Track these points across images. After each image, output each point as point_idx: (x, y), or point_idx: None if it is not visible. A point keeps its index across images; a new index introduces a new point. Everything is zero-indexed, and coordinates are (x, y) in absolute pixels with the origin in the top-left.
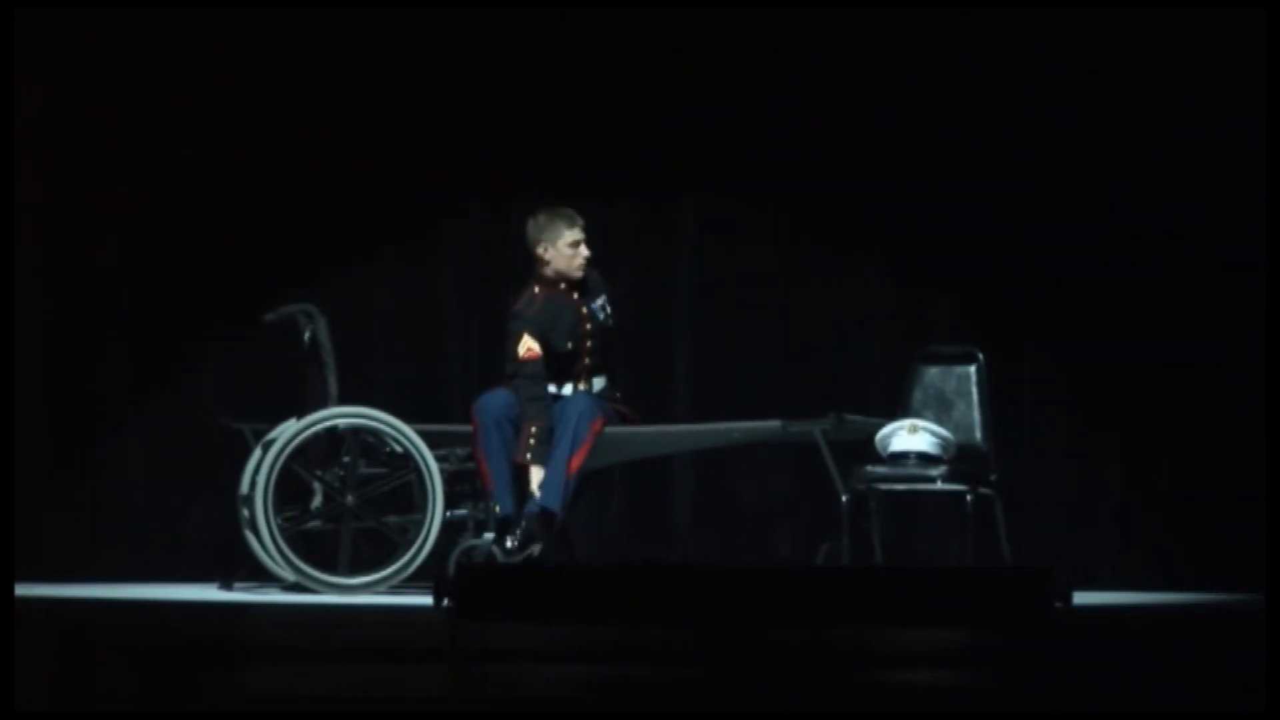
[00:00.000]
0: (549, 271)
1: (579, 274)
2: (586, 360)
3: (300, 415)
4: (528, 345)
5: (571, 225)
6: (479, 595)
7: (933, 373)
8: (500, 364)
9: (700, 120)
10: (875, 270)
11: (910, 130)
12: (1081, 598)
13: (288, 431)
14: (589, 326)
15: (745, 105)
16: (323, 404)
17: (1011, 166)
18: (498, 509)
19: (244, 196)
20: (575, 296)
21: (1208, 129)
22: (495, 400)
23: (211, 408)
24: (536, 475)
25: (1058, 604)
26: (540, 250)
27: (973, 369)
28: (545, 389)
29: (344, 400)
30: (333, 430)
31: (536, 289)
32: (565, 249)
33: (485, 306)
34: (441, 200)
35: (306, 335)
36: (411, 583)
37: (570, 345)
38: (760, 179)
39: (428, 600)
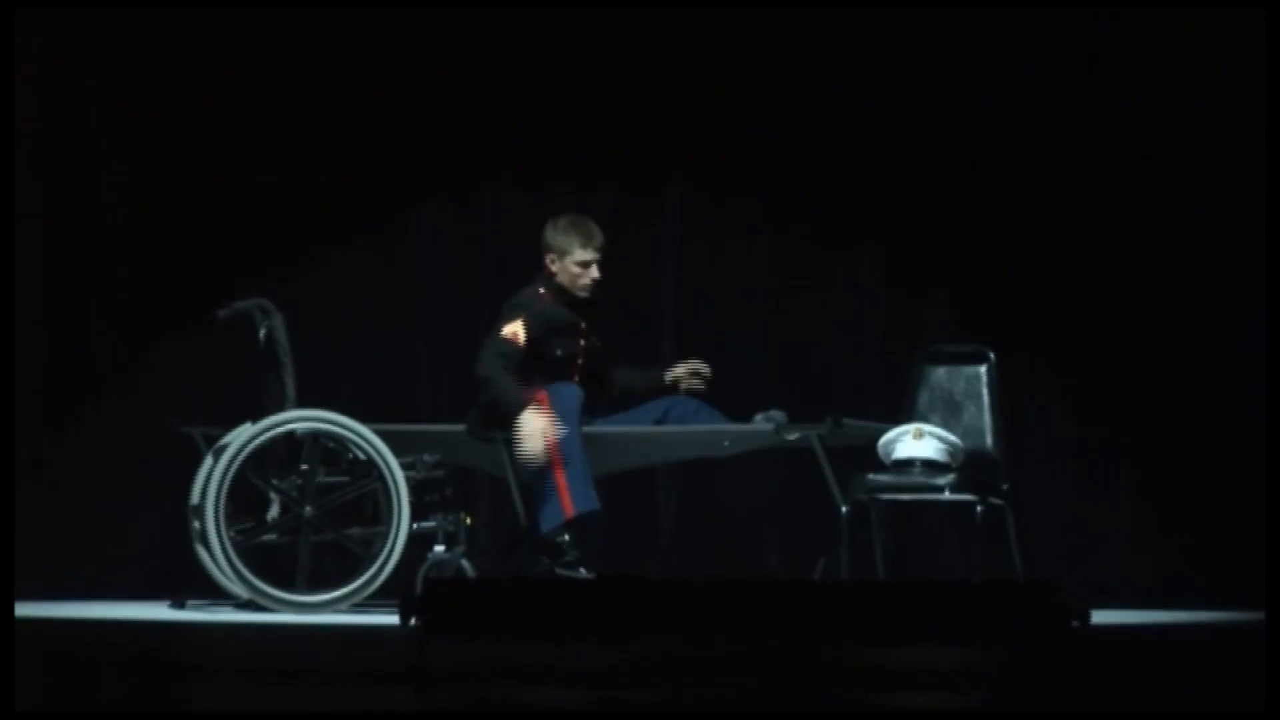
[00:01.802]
0: (554, 281)
1: (584, 294)
2: (576, 378)
3: (255, 419)
4: (514, 329)
5: (585, 244)
6: (449, 612)
7: (940, 373)
8: (468, 360)
9: (685, 103)
10: (873, 262)
11: (908, 117)
12: (1099, 616)
13: (241, 437)
14: (583, 343)
15: (733, 89)
16: (279, 407)
17: (1016, 155)
18: (570, 512)
19: (195, 184)
20: (579, 323)
21: (1208, 128)
22: (573, 392)
23: (159, 411)
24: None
25: (1074, 622)
26: (548, 260)
27: (983, 369)
28: (510, 376)
29: (302, 403)
30: (290, 435)
31: (541, 290)
32: (572, 267)
33: (455, 301)
34: (408, 187)
35: (262, 332)
36: (376, 600)
37: (560, 354)
38: (749, 166)
39: (394, 619)
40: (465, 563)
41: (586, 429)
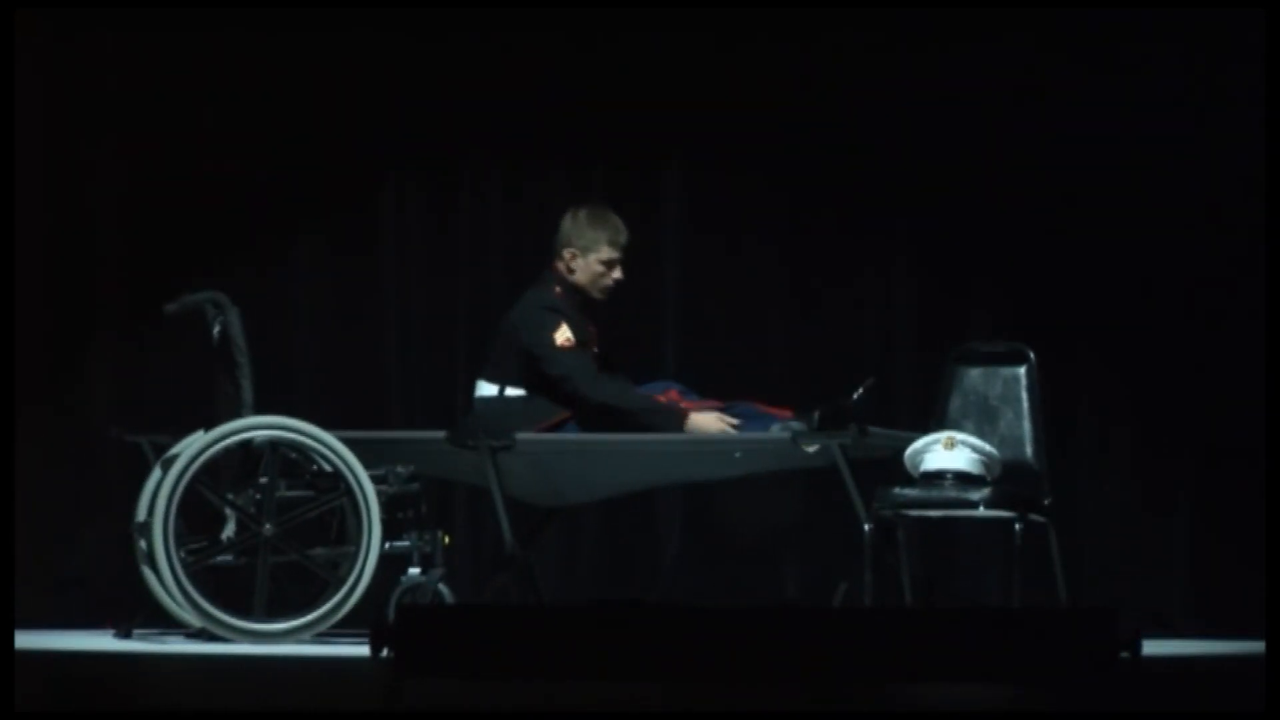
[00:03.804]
0: (567, 276)
1: (600, 296)
2: None
3: (208, 426)
4: (567, 337)
5: (614, 242)
6: (425, 645)
7: (974, 375)
8: (445, 361)
9: (688, 73)
10: (900, 253)
11: (938, 91)
12: (1152, 647)
13: (193, 447)
14: (596, 350)
15: (743, 56)
16: (235, 413)
17: (1062, 131)
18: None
19: (140, 167)
20: (588, 325)
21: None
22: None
23: (101, 418)
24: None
25: (1123, 654)
26: (568, 255)
27: (1022, 370)
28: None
29: (260, 408)
30: (247, 445)
31: (557, 289)
32: (596, 265)
33: (429, 295)
34: (377, 168)
35: (215, 329)
36: (343, 629)
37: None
38: (760, 142)
39: (363, 650)
40: (443, 587)
41: (569, 436)
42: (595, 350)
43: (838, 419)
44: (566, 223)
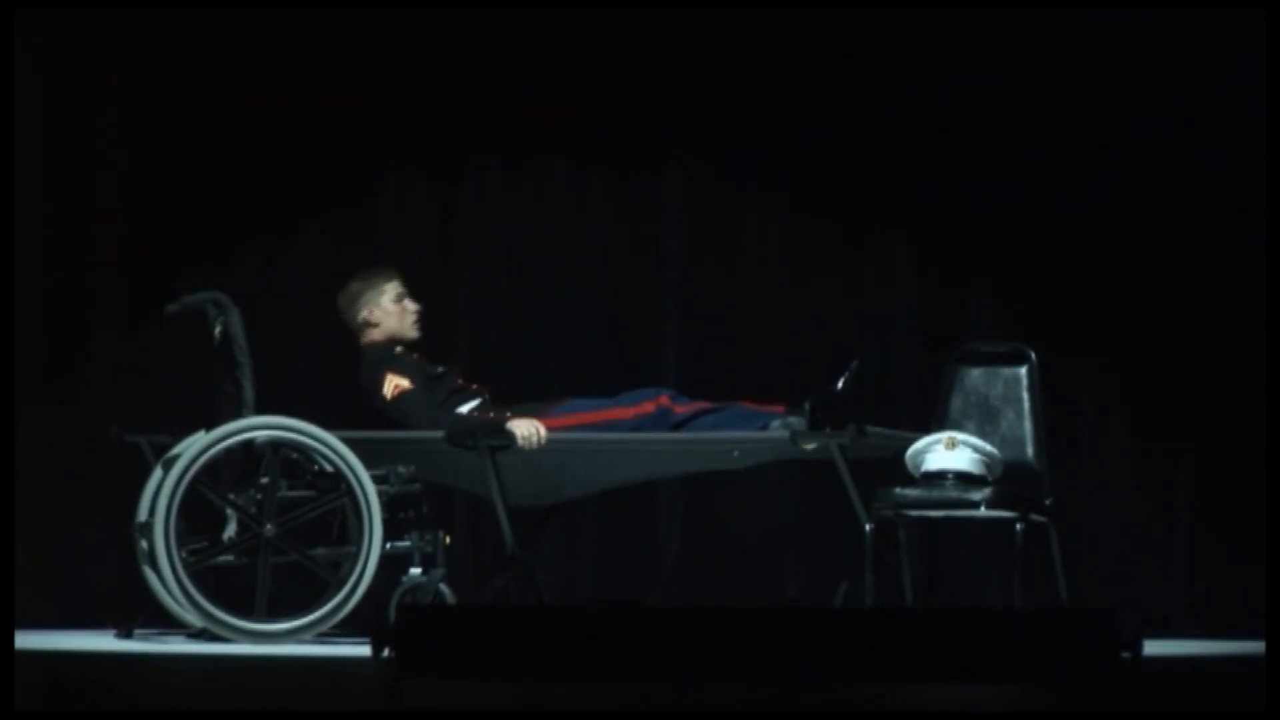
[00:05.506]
0: (379, 337)
1: (414, 333)
2: (475, 385)
3: (209, 426)
4: (395, 383)
5: (389, 277)
6: (425, 645)
7: (975, 375)
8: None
9: (688, 73)
10: (901, 252)
11: (938, 92)
12: (1153, 647)
13: (194, 447)
14: (441, 369)
15: (744, 54)
16: (236, 413)
17: (1062, 131)
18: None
19: (140, 167)
20: (416, 357)
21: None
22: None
23: (101, 418)
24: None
25: (1124, 654)
26: (365, 315)
27: (1023, 371)
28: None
29: (261, 408)
30: (248, 445)
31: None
32: (390, 305)
33: (430, 294)
34: (377, 168)
35: (216, 329)
36: (344, 629)
37: (441, 370)
38: (762, 140)
39: (364, 651)
40: (444, 587)
41: (579, 435)
42: (440, 370)
43: (829, 407)
44: (343, 301)
